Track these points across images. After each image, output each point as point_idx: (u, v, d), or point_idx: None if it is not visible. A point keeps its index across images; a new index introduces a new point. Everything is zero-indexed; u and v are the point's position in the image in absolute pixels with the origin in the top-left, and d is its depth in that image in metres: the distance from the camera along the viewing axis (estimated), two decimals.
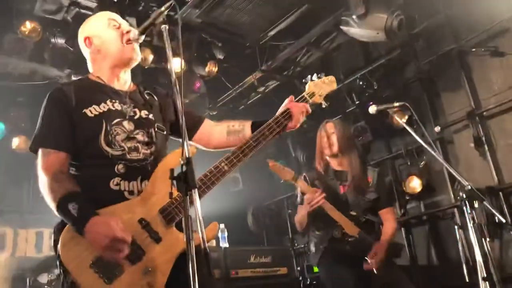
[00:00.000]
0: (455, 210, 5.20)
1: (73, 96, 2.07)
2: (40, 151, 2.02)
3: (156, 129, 2.17)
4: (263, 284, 4.74)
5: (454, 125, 5.37)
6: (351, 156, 3.79)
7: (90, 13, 4.79)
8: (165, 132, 2.23)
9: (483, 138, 4.99)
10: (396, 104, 3.35)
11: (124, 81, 2.26)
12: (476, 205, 2.71)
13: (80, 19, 4.61)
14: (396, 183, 5.92)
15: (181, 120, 1.66)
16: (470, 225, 2.89)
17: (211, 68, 5.90)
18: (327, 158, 3.84)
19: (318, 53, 6.25)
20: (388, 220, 3.74)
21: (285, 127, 2.30)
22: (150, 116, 2.19)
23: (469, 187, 2.73)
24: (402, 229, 5.66)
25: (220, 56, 5.99)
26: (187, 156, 1.59)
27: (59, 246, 1.84)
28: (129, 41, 2.17)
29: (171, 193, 1.53)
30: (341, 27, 5.00)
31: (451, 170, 2.94)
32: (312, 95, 2.48)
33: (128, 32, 2.19)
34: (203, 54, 6.01)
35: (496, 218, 3.79)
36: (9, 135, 5.96)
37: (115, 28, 2.22)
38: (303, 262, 6.38)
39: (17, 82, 5.68)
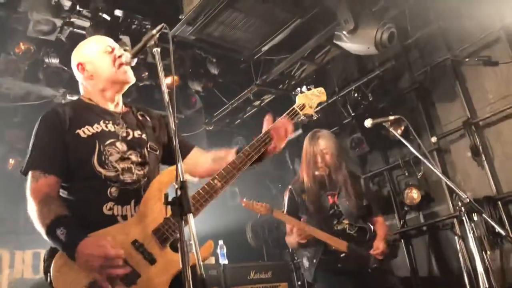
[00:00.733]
0: (455, 220, 5.18)
1: (67, 117, 2.06)
2: (29, 174, 1.99)
3: (149, 148, 2.16)
4: None
5: (450, 134, 5.37)
6: (340, 166, 3.77)
7: (84, 32, 4.82)
8: (157, 152, 2.22)
9: (480, 148, 4.98)
10: (391, 117, 3.36)
11: (117, 103, 2.26)
12: (475, 217, 2.69)
13: (74, 38, 4.66)
14: (394, 194, 5.91)
15: (174, 142, 1.64)
16: (470, 235, 2.88)
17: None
18: (309, 181, 3.76)
19: (312, 66, 6.30)
20: (380, 226, 3.75)
21: (266, 152, 2.21)
22: (143, 135, 2.19)
23: (468, 200, 2.71)
24: (402, 240, 5.63)
25: (215, 72, 6.01)
26: (181, 179, 1.58)
27: (51, 272, 1.81)
28: (121, 65, 2.17)
29: (166, 219, 1.51)
30: (335, 41, 5.03)
31: (449, 183, 2.93)
32: (302, 107, 2.47)
33: (120, 56, 2.18)
34: (198, 70, 6.03)
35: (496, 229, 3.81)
36: (6, 156, 5.93)
37: (107, 53, 2.22)
38: (303, 277, 6.32)
39: (12, 103, 5.67)
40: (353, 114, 6.08)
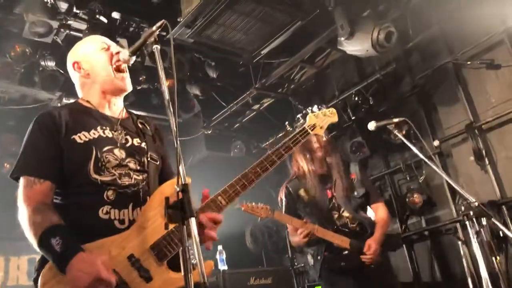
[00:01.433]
0: (457, 225, 5.11)
1: (63, 121, 1.97)
2: (21, 180, 1.88)
3: (149, 158, 2.06)
4: None
5: (452, 138, 5.30)
6: (334, 158, 3.81)
7: (80, 35, 4.74)
8: (158, 163, 2.12)
9: (483, 151, 4.92)
10: (395, 120, 3.31)
11: (116, 108, 2.16)
12: (484, 222, 2.62)
13: (70, 41, 4.58)
14: (395, 198, 5.84)
15: (176, 144, 1.55)
16: (474, 240, 2.84)
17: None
18: (307, 164, 3.77)
19: (312, 69, 6.24)
20: (379, 213, 3.78)
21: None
22: (143, 144, 2.09)
23: (476, 204, 2.65)
24: (404, 245, 5.55)
25: (214, 75, 5.94)
26: (183, 182, 1.49)
27: (39, 284, 1.71)
28: (118, 61, 2.08)
29: (166, 224, 1.42)
30: (339, 47, 4.99)
31: (456, 187, 2.88)
32: (313, 127, 2.44)
33: (117, 53, 2.09)
34: (196, 74, 5.97)
35: (501, 232, 3.74)
36: (0, 160, 5.84)
37: (104, 51, 2.14)
38: (303, 282, 6.25)
39: (7, 106, 5.59)
40: (353, 118, 6.02)
